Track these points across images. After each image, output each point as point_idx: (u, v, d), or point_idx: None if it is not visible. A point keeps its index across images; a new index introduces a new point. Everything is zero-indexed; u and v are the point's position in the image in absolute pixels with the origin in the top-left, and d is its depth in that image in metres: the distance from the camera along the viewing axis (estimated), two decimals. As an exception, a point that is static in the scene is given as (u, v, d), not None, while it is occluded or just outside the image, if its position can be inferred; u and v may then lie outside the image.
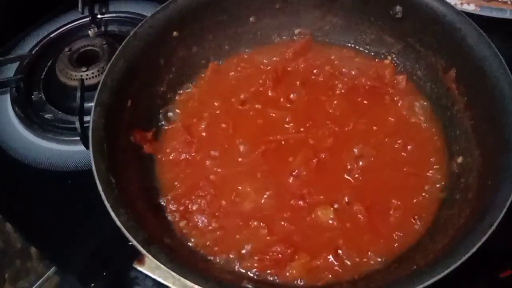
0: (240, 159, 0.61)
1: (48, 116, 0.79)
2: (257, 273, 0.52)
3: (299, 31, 0.74)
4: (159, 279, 0.56)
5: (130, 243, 0.57)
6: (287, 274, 0.51)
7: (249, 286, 0.45)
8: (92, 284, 0.59)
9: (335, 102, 0.65)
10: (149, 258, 0.45)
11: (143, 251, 0.45)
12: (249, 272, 0.51)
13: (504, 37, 0.67)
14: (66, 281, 0.64)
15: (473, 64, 0.57)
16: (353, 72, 0.69)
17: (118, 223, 0.46)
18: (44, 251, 0.68)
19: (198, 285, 0.42)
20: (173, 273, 0.43)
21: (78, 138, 0.71)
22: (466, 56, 0.58)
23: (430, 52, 0.64)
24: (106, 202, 0.47)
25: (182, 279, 0.43)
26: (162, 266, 0.43)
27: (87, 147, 0.71)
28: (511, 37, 0.71)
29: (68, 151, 0.74)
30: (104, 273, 0.60)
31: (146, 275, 0.57)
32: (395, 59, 0.69)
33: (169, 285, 0.55)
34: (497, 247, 0.61)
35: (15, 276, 0.82)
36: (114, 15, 0.93)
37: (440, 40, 0.62)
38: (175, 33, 0.65)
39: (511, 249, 0.62)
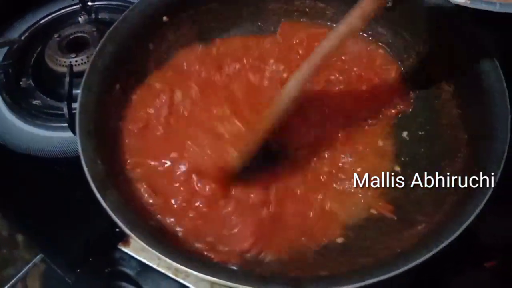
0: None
1: (36, 102, 0.78)
2: None
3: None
4: (144, 260, 0.56)
5: (118, 229, 0.58)
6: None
7: (234, 267, 0.45)
8: (78, 270, 0.59)
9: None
10: (134, 240, 0.44)
11: (129, 233, 0.44)
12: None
13: (493, 30, 0.67)
14: (52, 269, 0.64)
15: (461, 52, 0.58)
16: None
17: (104, 205, 0.46)
18: (31, 238, 0.67)
19: (183, 266, 0.42)
20: (159, 255, 0.42)
21: (67, 124, 0.70)
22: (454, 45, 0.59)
23: (419, 41, 0.64)
24: (92, 184, 0.47)
25: (167, 260, 0.42)
26: (148, 247, 0.43)
27: (75, 133, 0.70)
28: (500, 29, 0.71)
29: (57, 138, 0.73)
30: (90, 259, 0.60)
31: (131, 256, 0.57)
32: (385, 48, 0.69)
33: (154, 266, 0.55)
34: (484, 238, 0.62)
35: (1, 264, 0.81)
36: (104, 2, 0.93)
37: (428, 29, 0.63)
38: (165, 18, 0.65)
39: (497, 240, 0.63)
